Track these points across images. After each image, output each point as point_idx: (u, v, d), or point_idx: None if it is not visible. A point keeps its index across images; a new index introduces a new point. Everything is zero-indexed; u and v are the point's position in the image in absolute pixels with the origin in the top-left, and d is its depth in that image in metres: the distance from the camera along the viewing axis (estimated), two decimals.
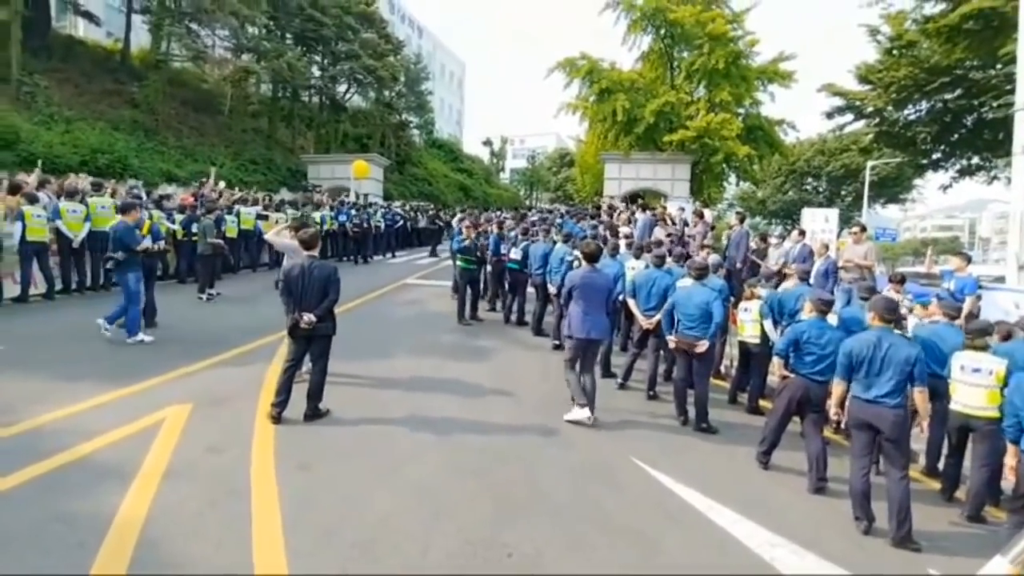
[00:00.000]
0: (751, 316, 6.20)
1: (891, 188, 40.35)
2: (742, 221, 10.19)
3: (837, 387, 4.23)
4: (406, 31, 47.32)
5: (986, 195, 44.02)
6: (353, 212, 16.22)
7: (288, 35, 22.93)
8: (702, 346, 5.52)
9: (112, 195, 10.37)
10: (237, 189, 14.97)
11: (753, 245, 9.86)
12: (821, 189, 42.85)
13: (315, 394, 4.86)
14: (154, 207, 10.70)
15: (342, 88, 26.61)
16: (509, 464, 4.34)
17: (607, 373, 6.91)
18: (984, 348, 4.39)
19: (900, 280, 7.38)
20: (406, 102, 30.60)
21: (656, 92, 19.42)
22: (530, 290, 9.22)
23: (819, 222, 12.68)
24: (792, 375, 4.71)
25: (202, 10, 17.13)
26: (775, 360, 4.82)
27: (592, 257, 5.51)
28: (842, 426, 4.83)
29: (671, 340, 5.86)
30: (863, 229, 8.18)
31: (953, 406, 4.59)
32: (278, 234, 6.31)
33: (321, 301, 4.73)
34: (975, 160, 18.59)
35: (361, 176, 18.00)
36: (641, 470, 4.48)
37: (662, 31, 19.03)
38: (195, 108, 21.93)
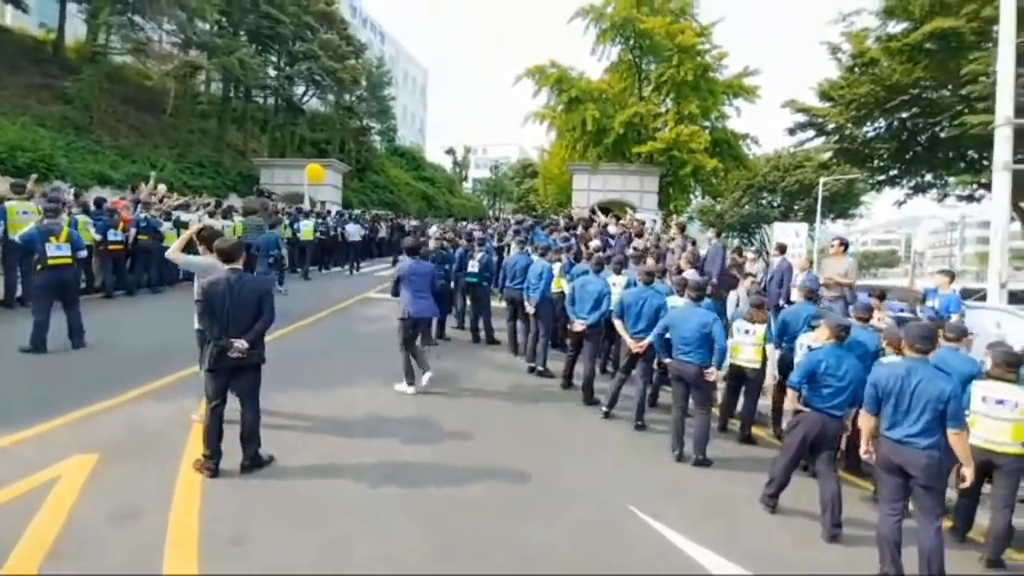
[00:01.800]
0: (752, 339, 5.73)
1: (840, 204, 42.08)
2: (718, 235, 9.87)
3: (866, 421, 3.75)
4: (368, 35, 46.23)
5: (919, 212, 46.44)
6: (319, 220, 15.29)
7: (241, 32, 21.65)
8: (712, 375, 4.99)
9: (30, 198, 9.15)
10: (176, 195, 13.68)
11: (729, 260, 9.53)
12: (776, 204, 44.17)
13: (251, 437, 4.03)
14: (81, 212, 9.56)
15: (300, 90, 25.42)
16: (492, 525, 3.65)
17: (590, 400, 6.32)
18: (1015, 380, 4.01)
19: (880, 296, 7.11)
20: (367, 107, 29.56)
21: (624, 103, 19.25)
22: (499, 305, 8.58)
23: (790, 236, 12.57)
24: (806, 409, 4.23)
25: (145, 0, 15.83)
26: (789, 393, 4.33)
27: (414, 251, 6.37)
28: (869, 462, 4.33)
29: (668, 364, 5.33)
30: (843, 244, 7.89)
31: (973, 440, 4.19)
32: (180, 248, 4.69)
33: (252, 323, 3.93)
34: (928, 178, 19.19)
35: (315, 181, 17.04)
36: (641, 523, 3.88)
37: (631, 42, 18.90)
38: (137, 106, 20.32)
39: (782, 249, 8.85)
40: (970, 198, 19.70)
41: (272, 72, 22.90)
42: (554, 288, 7.66)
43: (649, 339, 5.61)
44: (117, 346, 6.88)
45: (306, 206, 17.16)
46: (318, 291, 12.46)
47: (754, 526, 4.09)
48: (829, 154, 19.59)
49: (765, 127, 24.59)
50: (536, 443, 5.10)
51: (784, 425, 5.10)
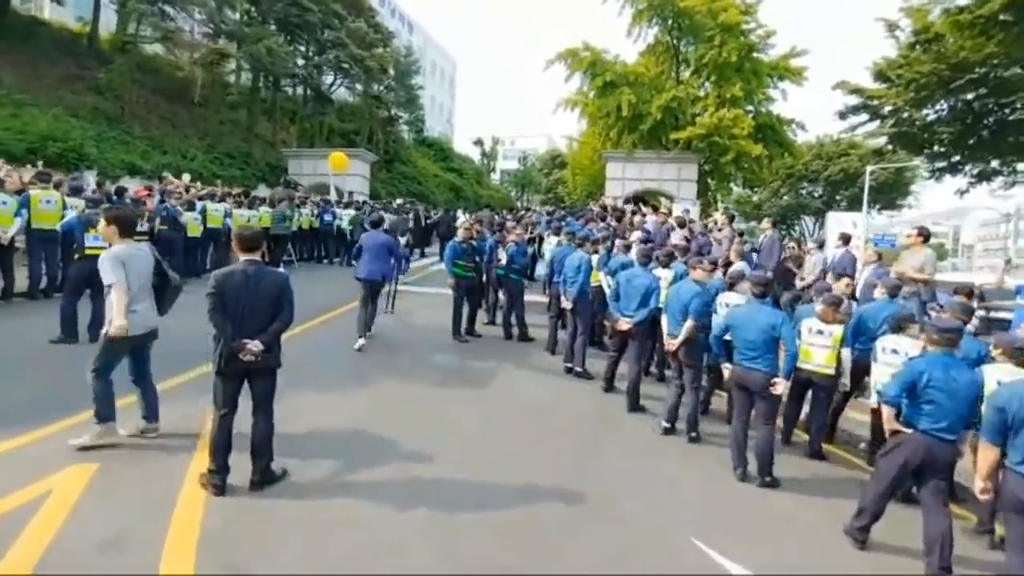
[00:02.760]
0: (827, 341, 5.01)
1: (888, 193, 39.91)
2: (775, 225, 9.07)
3: (986, 453, 3.07)
4: (396, 25, 45.88)
5: (966, 203, 43.75)
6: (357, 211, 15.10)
7: (270, 20, 21.47)
8: (780, 387, 4.34)
9: (56, 187, 8.99)
10: (199, 184, 13.48)
11: (787, 252, 8.75)
12: (817, 194, 42.22)
13: (263, 450, 3.59)
14: (105, 200, 9.37)
15: (328, 79, 25.20)
16: (533, 557, 3.12)
17: (635, 407, 5.72)
18: None
19: (969, 294, 6.28)
20: (395, 96, 29.15)
21: (661, 87, 18.31)
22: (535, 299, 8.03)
23: (846, 228, 11.59)
24: (907, 430, 3.55)
25: None
26: (884, 411, 3.65)
27: (375, 224, 7.57)
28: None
29: (726, 371, 4.69)
30: (923, 235, 6.98)
31: None
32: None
33: (270, 322, 3.49)
34: (994, 164, 17.74)
35: (339, 170, 16.70)
36: (708, 560, 3.29)
37: (669, 22, 17.90)
38: (168, 97, 20.40)
39: (845, 240, 8.03)
40: None
41: (300, 61, 22.67)
42: (592, 282, 7.06)
43: (681, 338, 4.99)
44: None
45: (332, 196, 16.89)
46: (344, 282, 12.12)
47: (840, 563, 3.46)
48: (884, 139, 18.28)
49: (809, 112, 23.09)
50: (578, 456, 4.54)
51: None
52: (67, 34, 19.77)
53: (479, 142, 52.50)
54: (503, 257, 8.09)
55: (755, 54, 17.31)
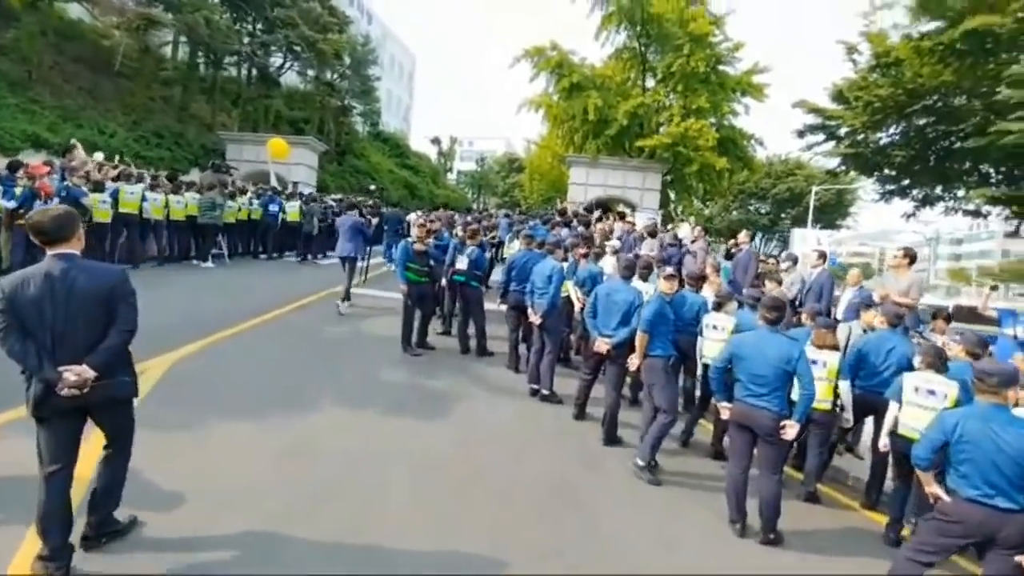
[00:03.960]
0: (821, 372, 4.45)
1: (829, 214, 41.78)
2: (752, 238, 8.64)
3: None
4: (354, 14, 44.05)
5: (892, 226, 46.78)
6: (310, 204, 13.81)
7: None
8: (791, 431, 3.69)
9: None
10: (118, 161, 11.81)
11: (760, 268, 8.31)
12: (764, 211, 43.65)
13: (107, 496, 2.68)
14: None
15: (276, 61, 23.48)
16: None
17: (612, 439, 5.01)
18: None
19: (947, 318, 5.97)
20: (350, 85, 27.65)
21: (627, 94, 17.95)
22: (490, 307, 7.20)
23: (811, 243, 11.41)
24: (949, 496, 2.93)
25: None
26: (921, 476, 3.04)
27: (349, 208, 9.64)
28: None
29: (724, 410, 4.02)
30: (909, 256, 6.61)
31: None
32: None
33: (98, 339, 2.49)
34: (937, 190, 18.41)
35: (278, 157, 15.34)
36: None
37: (638, 28, 17.56)
38: (92, 67, 18.25)
39: (823, 257, 7.65)
40: (976, 213, 19.03)
41: (245, 39, 20.91)
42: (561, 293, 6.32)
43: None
44: None
45: (272, 185, 15.46)
46: (288, 278, 10.91)
47: None
48: (837, 160, 18.63)
49: (761, 131, 23.40)
50: (551, 509, 3.74)
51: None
52: None
53: (436, 141, 51.36)
54: (463, 262, 7.23)
55: (721, 66, 17.23)
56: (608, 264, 7.22)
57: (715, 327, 5.22)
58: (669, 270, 5.76)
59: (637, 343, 4.75)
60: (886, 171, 18.00)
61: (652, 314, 4.71)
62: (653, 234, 10.05)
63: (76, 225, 2.54)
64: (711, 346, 5.11)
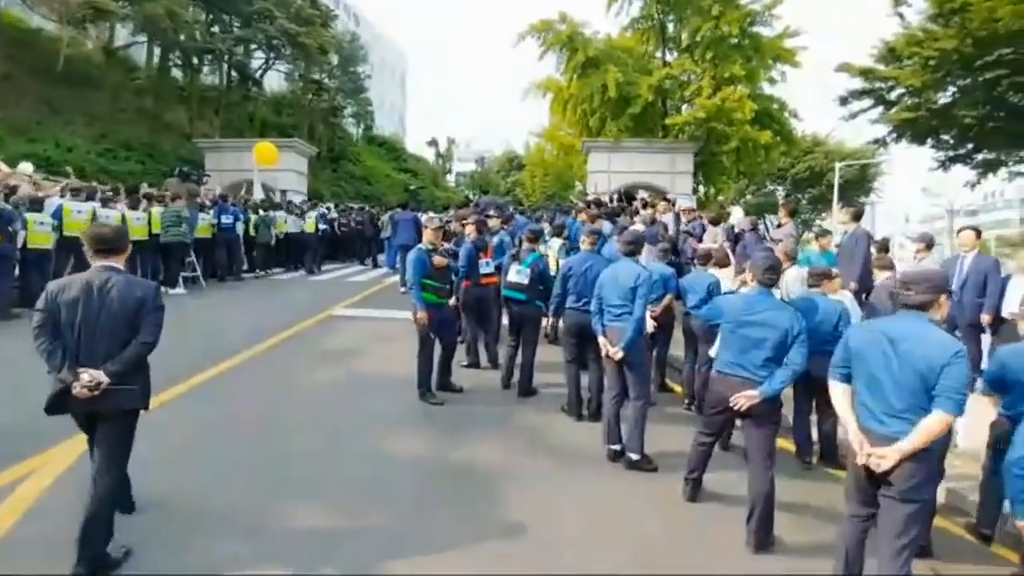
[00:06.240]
0: None
1: (850, 192, 39.60)
2: (857, 217, 6.69)
3: None
4: (341, 17, 42.30)
5: (909, 200, 44.69)
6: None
7: None
8: None
9: None
10: (69, 179, 9.81)
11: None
12: (781, 193, 41.49)
13: (97, 527, 2.42)
14: None
15: (257, 62, 21.65)
16: None
17: (766, 541, 3.07)
18: None
19: None
20: (339, 83, 25.78)
21: (647, 69, 15.99)
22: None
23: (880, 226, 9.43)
24: None
25: None
26: None
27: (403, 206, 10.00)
28: None
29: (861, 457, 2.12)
30: (927, 244, 5.49)
31: None
32: None
33: (122, 346, 2.52)
34: (999, 155, 16.33)
35: (267, 163, 13.60)
36: None
37: None
38: (52, 80, 16.44)
39: (978, 234, 5.73)
40: None
41: (218, 34, 18.99)
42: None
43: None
44: None
45: (257, 193, 13.61)
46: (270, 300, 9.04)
47: None
48: (886, 129, 16.55)
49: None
50: None
51: None
52: None
53: (433, 143, 49.96)
54: (523, 274, 5.33)
55: (755, 28, 15.21)
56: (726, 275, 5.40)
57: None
58: None
59: None
60: (943, 136, 16.00)
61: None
62: (716, 222, 8.14)
63: (128, 240, 2.82)
64: None
